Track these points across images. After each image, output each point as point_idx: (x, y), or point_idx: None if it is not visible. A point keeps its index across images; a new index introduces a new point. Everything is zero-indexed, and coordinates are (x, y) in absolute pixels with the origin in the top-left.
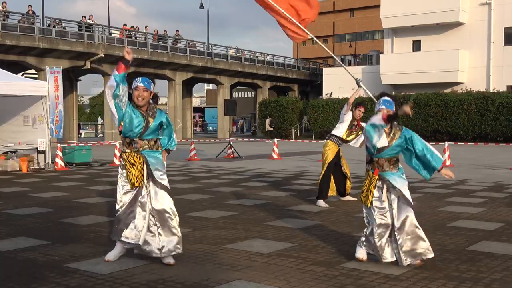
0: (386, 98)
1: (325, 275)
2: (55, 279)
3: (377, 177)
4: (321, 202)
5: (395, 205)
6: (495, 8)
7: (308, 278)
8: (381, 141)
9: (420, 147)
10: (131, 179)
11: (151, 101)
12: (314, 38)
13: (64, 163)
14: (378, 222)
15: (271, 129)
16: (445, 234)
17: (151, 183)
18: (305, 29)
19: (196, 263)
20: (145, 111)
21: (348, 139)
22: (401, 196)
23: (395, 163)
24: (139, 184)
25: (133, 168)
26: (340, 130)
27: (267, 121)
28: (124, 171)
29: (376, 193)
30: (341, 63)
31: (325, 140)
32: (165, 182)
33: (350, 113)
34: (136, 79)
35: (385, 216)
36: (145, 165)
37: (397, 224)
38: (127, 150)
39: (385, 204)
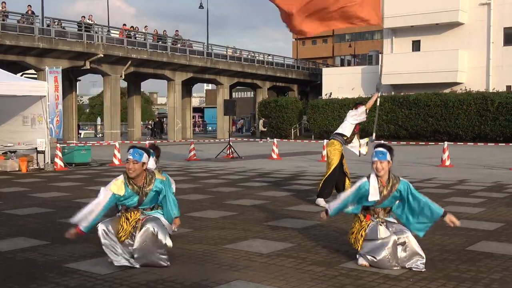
0: (380, 149)
1: (324, 275)
2: (54, 279)
3: (369, 221)
4: (321, 201)
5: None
6: (495, 8)
7: (308, 278)
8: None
9: (416, 206)
10: (120, 233)
11: (149, 168)
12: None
13: (63, 163)
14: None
15: (265, 129)
16: (444, 234)
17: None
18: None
19: (195, 263)
20: (139, 183)
21: (347, 140)
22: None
23: (390, 211)
24: (125, 239)
25: (126, 224)
26: (348, 130)
27: (261, 122)
28: (119, 215)
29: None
30: (380, 64)
31: (330, 139)
32: (161, 220)
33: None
34: (129, 151)
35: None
36: (139, 220)
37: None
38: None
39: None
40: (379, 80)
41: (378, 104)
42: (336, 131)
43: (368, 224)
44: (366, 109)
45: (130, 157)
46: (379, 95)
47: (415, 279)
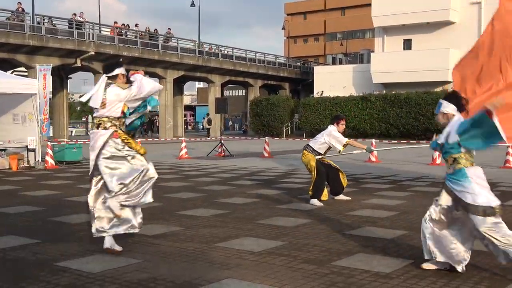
0: (440, 100)
1: (315, 273)
2: (45, 278)
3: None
4: (315, 201)
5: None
6: (486, 7)
7: (299, 276)
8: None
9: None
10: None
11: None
12: None
13: (54, 161)
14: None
15: (209, 127)
16: None
17: None
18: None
19: (187, 262)
20: None
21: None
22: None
23: (454, 163)
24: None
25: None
26: (323, 148)
27: (205, 119)
28: None
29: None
30: None
31: (303, 149)
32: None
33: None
34: None
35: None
36: None
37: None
38: None
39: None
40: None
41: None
42: (311, 144)
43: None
44: (346, 143)
45: None
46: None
47: (405, 276)
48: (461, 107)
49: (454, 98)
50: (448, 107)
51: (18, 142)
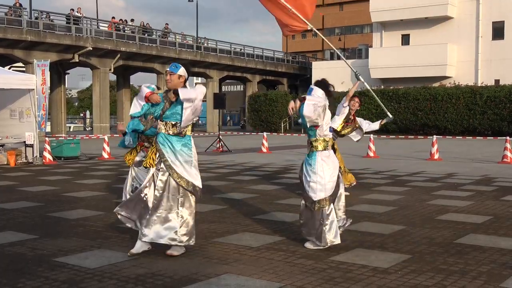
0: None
1: (314, 268)
2: (43, 273)
3: None
4: None
5: None
6: (483, 2)
7: (297, 271)
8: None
9: None
10: (146, 159)
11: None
12: (315, 29)
13: (52, 156)
14: None
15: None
16: (433, 227)
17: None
18: (304, 20)
19: (185, 257)
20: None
21: (343, 132)
22: None
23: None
24: (147, 165)
25: (149, 150)
26: (336, 122)
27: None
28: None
29: None
30: (342, 56)
31: None
32: (179, 169)
33: (348, 107)
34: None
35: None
36: (156, 149)
37: None
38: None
39: None
40: (355, 70)
41: (368, 87)
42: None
43: None
44: (348, 97)
45: (168, 69)
46: (362, 80)
47: (403, 272)
48: (329, 93)
49: (323, 84)
50: (318, 92)
51: (16, 137)
